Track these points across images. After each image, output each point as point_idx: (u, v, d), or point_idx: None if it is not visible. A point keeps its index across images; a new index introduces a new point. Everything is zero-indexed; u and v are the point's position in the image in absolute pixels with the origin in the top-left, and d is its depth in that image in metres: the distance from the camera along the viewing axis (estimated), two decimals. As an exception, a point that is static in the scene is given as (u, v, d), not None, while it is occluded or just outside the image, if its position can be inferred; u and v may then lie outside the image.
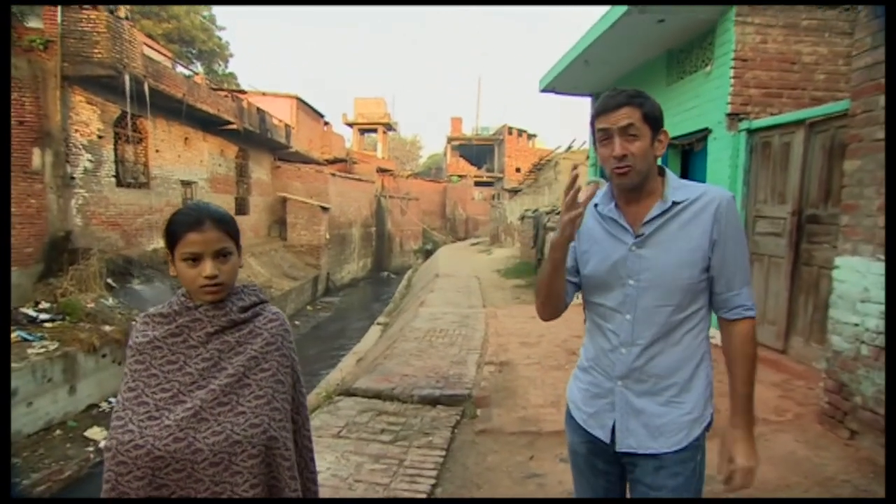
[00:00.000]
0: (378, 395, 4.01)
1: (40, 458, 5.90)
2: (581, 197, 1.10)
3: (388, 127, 37.04)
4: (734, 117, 4.90)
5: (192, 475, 1.05)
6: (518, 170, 32.73)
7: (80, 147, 9.14)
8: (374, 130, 36.53)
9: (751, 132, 4.84)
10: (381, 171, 28.94)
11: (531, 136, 39.12)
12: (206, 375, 1.12)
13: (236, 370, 1.13)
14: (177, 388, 1.09)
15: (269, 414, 1.12)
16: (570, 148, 17.34)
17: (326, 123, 27.29)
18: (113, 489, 1.04)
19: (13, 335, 6.82)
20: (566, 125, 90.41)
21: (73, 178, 8.93)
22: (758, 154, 4.79)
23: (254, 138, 15.79)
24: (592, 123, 1.22)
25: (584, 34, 6.08)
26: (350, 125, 36.35)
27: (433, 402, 3.88)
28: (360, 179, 23.65)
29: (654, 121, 1.18)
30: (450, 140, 40.80)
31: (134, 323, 1.20)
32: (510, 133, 37.16)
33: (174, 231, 1.12)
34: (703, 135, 5.35)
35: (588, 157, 7.23)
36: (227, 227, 1.15)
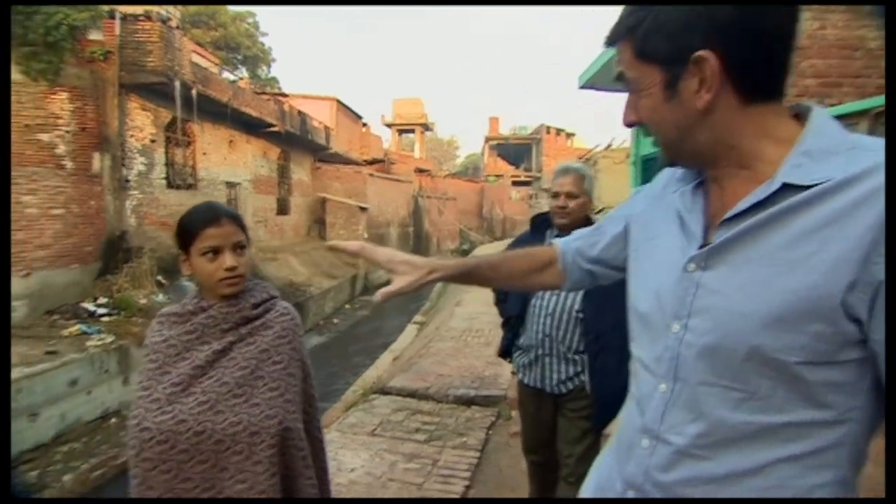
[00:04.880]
0: (413, 394, 4.04)
1: (98, 444, 6.23)
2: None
3: (426, 127, 37.27)
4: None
5: (217, 464, 1.08)
6: (556, 169, 32.30)
7: (135, 151, 9.61)
8: (412, 131, 36.85)
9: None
10: (419, 171, 29.14)
11: (570, 135, 38.53)
12: (216, 365, 1.14)
13: (248, 363, 1.15)
14: (187, 381, 1.12)
15: (282, 406, 1.15)
16: (609, 146, 16.96)
17: (365, 125, 27.69)
18: (141, 483, 1.07)
19: (74, 328, 7.24)
20: (606, 123, 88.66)
21: (128, 180, 9.40)
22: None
23: (295, 140, 16.19)
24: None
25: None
26: (388, 126, 36.78)
27: (468, 402, 3.87)
28: (397, 179, 23.90)
29: (662, 52, 0.64)
30: (487, 139, 40.68)
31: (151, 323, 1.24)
32: (548, 132, 36.71)
33: (191, 228, 1.15)
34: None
35: (628, 156, 7.05)
36: (240, 222, 1.20)
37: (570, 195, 1.84)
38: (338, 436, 3.28)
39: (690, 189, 0.73)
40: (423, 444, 3.17)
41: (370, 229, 19.12)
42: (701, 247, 0.67)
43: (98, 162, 8.79)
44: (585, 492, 0.87)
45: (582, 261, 0.95)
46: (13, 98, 8.33)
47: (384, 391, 4.17)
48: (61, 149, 8.57)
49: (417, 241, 25.76)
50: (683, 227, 0.71)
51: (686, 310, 0.67)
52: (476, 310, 7.82)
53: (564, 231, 1.36)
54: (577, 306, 1.85)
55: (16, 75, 8.22)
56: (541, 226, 2.04)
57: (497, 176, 38.97)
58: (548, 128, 36.87)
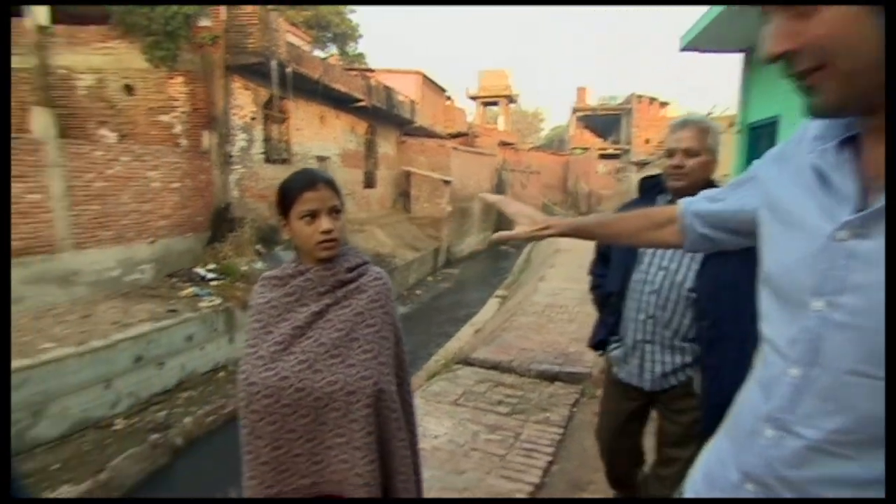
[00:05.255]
0: (496, 367, 4.07)
1: (210, 393, 6.98)
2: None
3: (511, 99, 36.47)
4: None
5: (317, 419, 1.15)
6: (647, 141, 30.41)
7: (237, 128, 10.34)
8: (497, 103, 36.22)
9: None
10: (503, 144, 28.73)
11: (664, 104, 35.89)
12: (314, 326, 1.20)
13: (344, 325, 1.20)
14: (287, 340, 1.19)
15: (376, 367, 1.18)
16: (709, 114, 15.61)
17: (449, 98, 27.65)
18: (251, 433, 1.17)
19: (189, 290, 8.08)
20: (705, 90, 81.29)
21: (231, 156, 10.17)
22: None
23: (381, 115, 16.55)
24: None
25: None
26: (473, 98, 36.42)
27: (551, 377, 3.83)
28: (481, 153, 23.75)
29: None
30: (575, 111, 39.03)
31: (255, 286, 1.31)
32: (639, 101, 34.44)
33: (290, 193, 1.21)
34: None
35: (732, 124, 6.43)
36: (335, 187, 1.24)
37: (688, 152, 1.53)
38: (422, 403, 3.40)
39: (833, 146, 0.61)
40: (505, 416, 3.20)
41: (453, 202, 19.27)
42: (856, 211, 0.57)
43: (207, 139, 9.58)
44: (693, 478, 0.80)
45: (701, 224, 0.88)
46: (140, 85, 9.28)
47: (467, 362, 4.24)
48: (178, 128, 9.45)
49: (500, 215, 25.56)
50: (829, 189, 0.61)
51: (832, 285, 0.58)
52: (559, 285, 7.66)
53: (679, 196, 1.13)
54: (688, 283, 1.54)
55: (141, 63, 9.12)
56: (650, 191, 1.72)
57: (583, 149, 37.42)
58: (639, 96, 34.58)
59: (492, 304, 9.29)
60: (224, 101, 9.79)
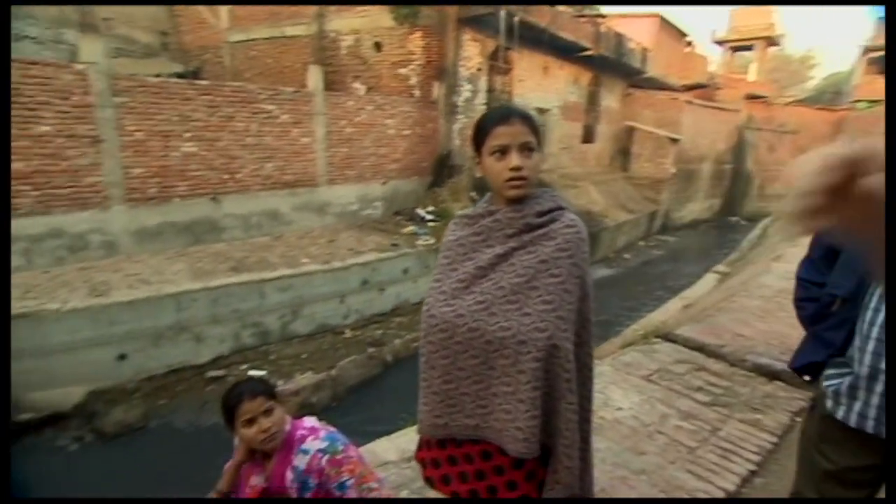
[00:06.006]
0: (701, 349, 3.63)
1: (416, 322, 7.81)
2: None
3: (772, 41, 30.18)
4: None
5: (487, 362, 1.14)
6: None
7: (464, 79, 10.85)
8: (751, 48, 30.39)
9: None
10: (751, 97, 24.25)
11: None
12: (496, 269, 1.16)
13: (525, 271, 1.13)
14: (469, 279, 1.18)
15: (553, 321, 1.10)
16: None
17: (689, 44, 24.20)
18: (427, 363, 1.23)
19: (409, 228, 9.07)
20: None
21: (456, 106, 10.78)
22: None
23: (608, 64, 15.44)
24: None
25: None
26: (720, 43, 31.27)
27: (771, 375, 3.26)
28: (720, 108, 20.49)
29: None
30: (866, 50, 30.32)
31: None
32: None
33: (484, 127, 1.17)
34: None
35: None
36: (531, 122, 1.16)
37: None
38: (609, 370, 3.25)
39: None
40: (703, 405, 2.85)
41: (679, 163, 17.25)
42: None
43: (436, 90, 10.32)
44: None
45: None
46: (386, 41, 10.38)
47: (668, 338, 3.87)
48: (413, 80, 10.37)
49: (735, 182, 22.05)
50: None
51: None
52: (804, 271, 6.33)
53: None
54: None
55: (389, 22, 10.16)
56: None
57: (871, 102, 29.10)
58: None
59: (709, 279, 8.23)
60: (454, 53, 10.32)
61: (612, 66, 15.85)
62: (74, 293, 5.30)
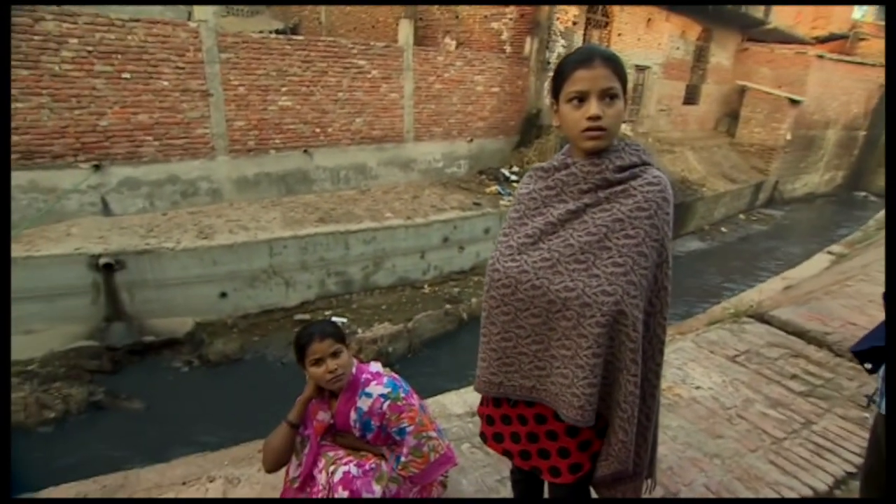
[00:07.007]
0: (800, 334, 3.32)
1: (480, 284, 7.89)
2: None
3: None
4: None
5: (547, 323, 1.09)
6: None
7: (558, 34, 10.27)
8: (908, -9, 25.75)
9: None
10: (902, 51, 20.70)
11: None
12: (567, 226, 1.09)
13: (598, 229, 1.05)
14: (538, 235, 1.12)
15: (623, 286, 1.02)
16: None
17: (829, -13, 20.98)
18: (487, 317, 1.21)
19: (493, 188, 8.98)
20: None
21: (548, 62, 10.28)
22: None
23: (724, 15, 13.87)
24: None
25: None
26: (867, -13, 26.77)
27: (883, 371, 2.92)
28: (859, 63, 17.76)
29: None
30: None
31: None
32: None
33: (562, 70, 1.07)
34: None
35: None
36: (616, 65, 1.04)
37: None
38: (692, 347, 3.08)
39: None
40: (797, 395, 2.63)
41: (797, 129, 15.38)
42: None
43: (528, 45, 9.89)
44: None
45: None
46: (477, -9, 10.03)
47: (762, 319, 3.58)
48: (504, 35, 10.01)
49: (866, 151, 19.31)
50: None
51: None
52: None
53: None
54: None
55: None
56: None
57: None
58: None
59: (819, 259, 7.42)
60: (549, 6, 9.78)
61: (727, 17, 14.22)
62: (185, 234, 5.90)
